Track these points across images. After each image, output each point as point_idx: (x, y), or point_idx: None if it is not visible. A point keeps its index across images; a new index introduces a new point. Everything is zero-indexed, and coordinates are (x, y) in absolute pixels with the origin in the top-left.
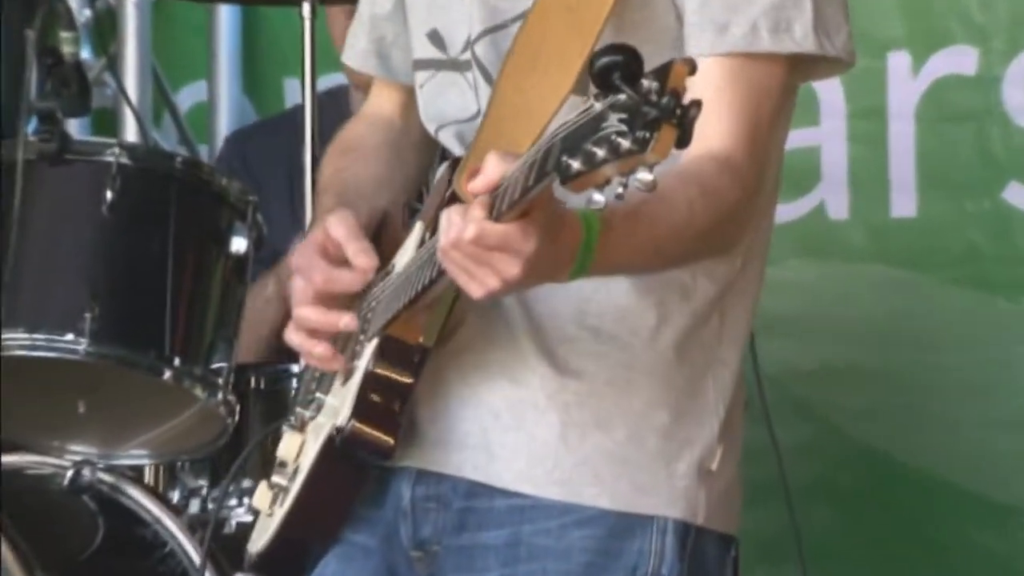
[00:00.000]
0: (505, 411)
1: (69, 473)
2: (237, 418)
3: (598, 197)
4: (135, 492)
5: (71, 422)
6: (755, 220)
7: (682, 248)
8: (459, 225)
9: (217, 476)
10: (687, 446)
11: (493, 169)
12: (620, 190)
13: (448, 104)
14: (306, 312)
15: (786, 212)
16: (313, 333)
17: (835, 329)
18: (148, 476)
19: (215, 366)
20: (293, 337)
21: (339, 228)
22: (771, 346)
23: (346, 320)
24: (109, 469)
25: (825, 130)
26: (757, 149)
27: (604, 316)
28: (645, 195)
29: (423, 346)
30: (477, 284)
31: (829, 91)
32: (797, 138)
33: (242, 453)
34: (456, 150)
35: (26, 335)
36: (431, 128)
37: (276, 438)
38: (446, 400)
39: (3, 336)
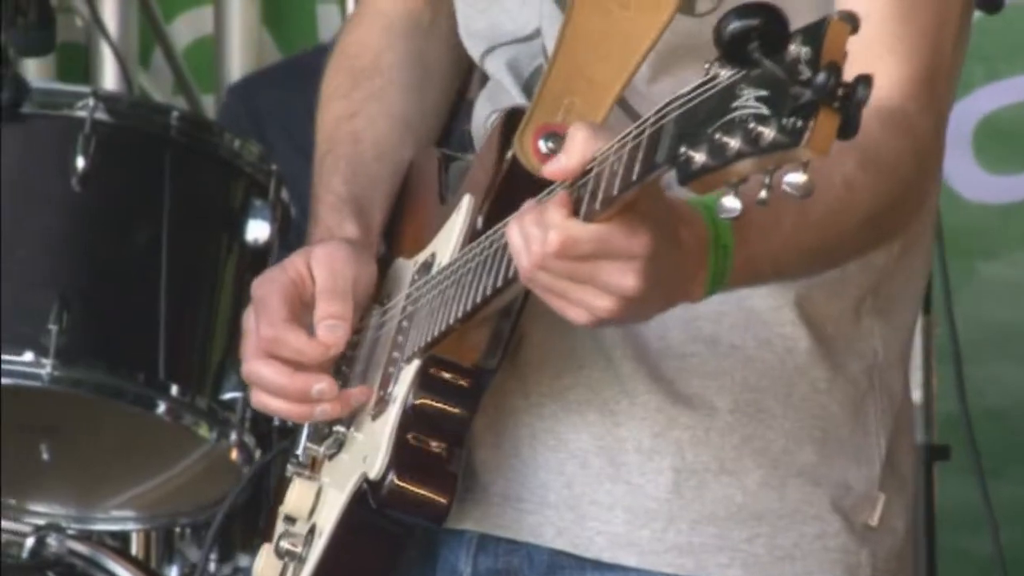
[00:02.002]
0: (596, 455)
1: (30, 541)
2: (257, 468)
3: (731, 203)
4: (118, 568)
5: (32, 473)
6: (932, 189)
7: (842, 239)
8: (539, 238)
9: (229, 548)
10: (840, 492)
11: (581, 148)
12: (763, 194)
13: (504, 14)
14: (258, 369)
15: (1011, 188)
16: (283, 394)
17: None
18: (136, 546)
19: (226, 396)
20: (263, 401)
21: (323, 271)
22: (988, 371)
23: (320, 387)
24: (83, 536)
25: None
26: (936, 96)
27: (723, 321)
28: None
29: (481, 368)
30: (581, 310)
31: None
32: None
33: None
34: (509, 85)
35: None
36: (476, 50)
37: (277, 488)
38: (514, 441)
39: None
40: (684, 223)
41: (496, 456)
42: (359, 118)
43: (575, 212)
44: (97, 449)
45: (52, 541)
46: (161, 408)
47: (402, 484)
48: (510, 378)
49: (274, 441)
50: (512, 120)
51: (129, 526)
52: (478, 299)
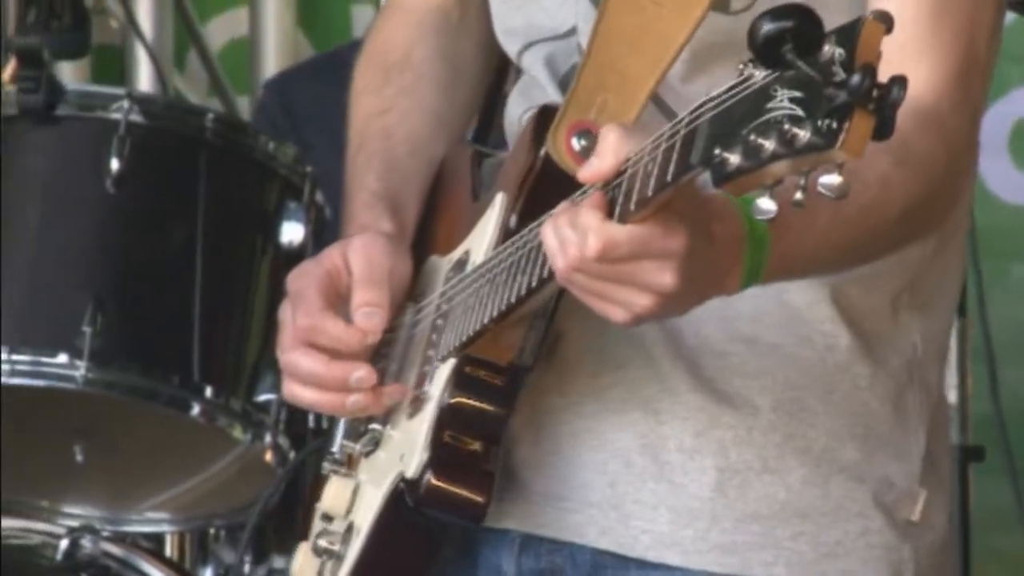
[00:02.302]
0: (639, 454)
1: (64, 543)
2: (291, 467)
3: (766, 205)
4: (152, 570)
5: (66, 475)
6: (965, 187)
7: (876, 236)
8: (575, 241)
9: (264, 549)
10: (883, 488)
11: (614, 150)
12: (798, 196)
13: (542, 12)
14: (296, 360)
15: None
16: (320, 383)
17: None
18: (170, 548)
19: (261, 398)
20: (295, 392)
21: (360, 261)
22: (1022, 372)
23: (359, 374)
24: (117, 538)
25: None
26: (969, 95)
27: (762, 320)
28: None
29: (517, 366)
30: (620, 308)
31: None
32: None
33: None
34: (545, 82)
35: (3, 356)
36: (512, 46)
37: (313, 487)
38: (554, 440)
39: None
40: (717, 219)
41: (536, 455)
42: (391, 114)
43: (609, 213)
44: (131, 451)
45: (86, 543)
46: (195, 410)
47: (439, 483)
48: (549, 376)
49: (308, 442)
50: (545, 117)
51: (163, 528)
52: (512, 299)
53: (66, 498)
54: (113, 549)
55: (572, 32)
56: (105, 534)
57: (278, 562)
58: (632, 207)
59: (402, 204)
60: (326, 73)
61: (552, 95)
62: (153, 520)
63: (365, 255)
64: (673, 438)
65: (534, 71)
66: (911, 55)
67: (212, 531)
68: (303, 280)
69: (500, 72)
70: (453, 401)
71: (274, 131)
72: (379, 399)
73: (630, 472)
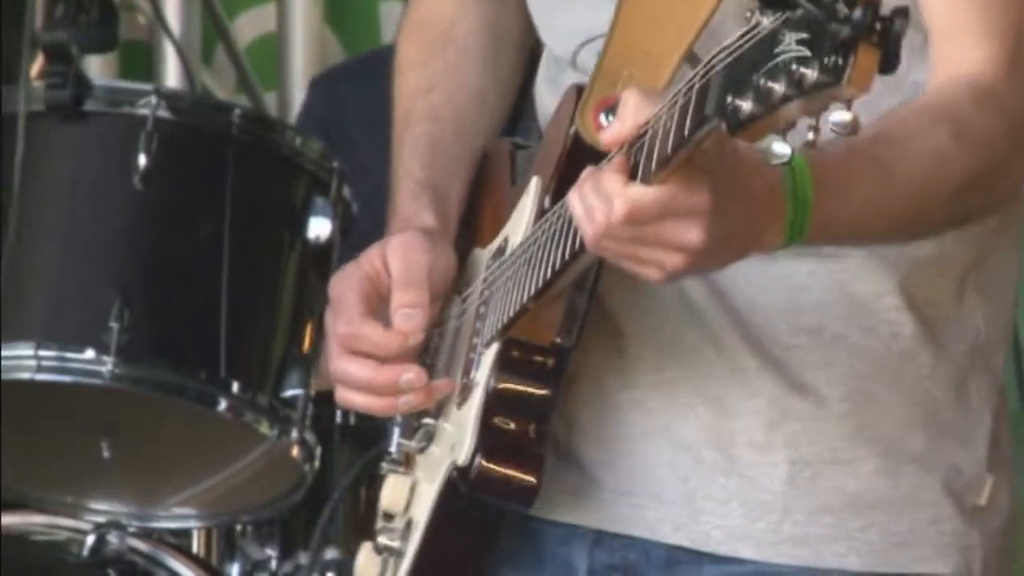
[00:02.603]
0: (709, 448)
1: (90, 539)
2: (318, 464)
3: (780, 148)
4: (179, 565)
5: (93, 470)
6: None
7: (931, 210)
8: (601, 208)
9: (290, 544)
10: (951, 476)
11: (634, 112)
12: (811, 136)
13: (593, 6)
14: (343, 367)
15: None
16: (371, 388)
17: None
18: (197, 544)
19: (287, 394)
20: (347, 398)
21: (398, 262)
22: None
23: (408, 376)
24: (144, 534)
25: None
26: None
27: (827, 310)
28: (871, 139)
29: (560, 346)
30: (653, 268)
31: None
32: None
33: (324, 509)
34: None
35: (31, 352)
36: (566, 47)
37: (372, 488)
38: (624, 436)
39: (1, 355)
40: (757, 173)
41: (606, 453)
42: (436, 93)
43: (632, 176)
44: (158, 446)
45: (113, 539)
46: (222, 405)
47: (489, 466)
48: (614, 374)
49: (335, 438)
50: (575, 98)
51: (190, 523)
52: (548, 274)
53: (93, 494)
54: (140, 545)
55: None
56: (132, 530)
57: (303, 558)
58: (653, 167)
59: (446, 195)
60: (371, 74)
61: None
62: (180, 516)
63: (403, 255)
64: (743, 432)
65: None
66: (967, 37)
67: (239, 527)
68: (343, 285)
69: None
70: (499, 386)
71: (318, 128)
72: (430, 395)
73: (700, 467)
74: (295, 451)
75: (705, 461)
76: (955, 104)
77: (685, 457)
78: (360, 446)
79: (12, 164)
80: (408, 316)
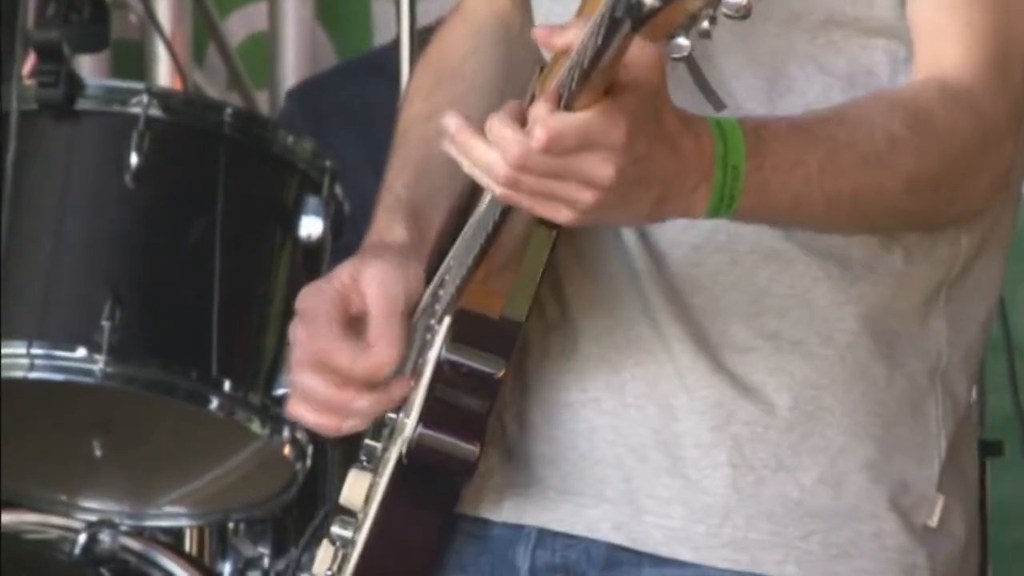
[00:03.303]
0: (655, 449)
1: (82, 538)
2: (309, 463)
3: (682, 41)
4: (171, 564)
5: (84, 469)
6: (1002, 179)
7: (879, 197)
8: (518, 139)
9: (282, 542)
10: (898, 491)
11: (570, 31)
12: (705, 25)
13: None
14: (306, 381)
15: None
16: (326, 407)
17: None
18: (190, 542)
19: (279, 392)
20: (299, 411)
21: (374, 290)
22: None
23: (361, 405)
24: (136, 532)
25: None
26: (1008, 82)
27: (787, 315)
28: (821, 119)
29: (509, 319)
30: (565, 207)
31: None
32: None
33: (320, 510)
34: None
35: (22, 351)
36: None
37: None
38: (573, 436)
39: None
40: (689, 133)
41: (554, 451)
42: (434, 122)
43: (557, 104)
44: (150, 445)
45: (105, 537)
46: (214, 404)
47: (429, 432)
48: (568, 374)
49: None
50: (537, 74)
51: (182, 522)
52: (490, 228)
53: (84, 492)
54: (132, 543)
55: None
56: (124, 528)
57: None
58: (574, 85)
59: (424, 213)
60: (353, 81)
61: None
62: (172, 515)
63: (381, 287)
64: (690, 434)
65: None
66: (948, 40)
67: (231, 525)
68: (314, 299)
69: None
70: (447, 356)
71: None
72: (390, 400)
73: (645, 467)
74: (287, 449)
75: (650, 461)
76: (920, 97)
77: (631, 456)
78: (352, 446)
79: (4, 163)
80: (389, 342)
